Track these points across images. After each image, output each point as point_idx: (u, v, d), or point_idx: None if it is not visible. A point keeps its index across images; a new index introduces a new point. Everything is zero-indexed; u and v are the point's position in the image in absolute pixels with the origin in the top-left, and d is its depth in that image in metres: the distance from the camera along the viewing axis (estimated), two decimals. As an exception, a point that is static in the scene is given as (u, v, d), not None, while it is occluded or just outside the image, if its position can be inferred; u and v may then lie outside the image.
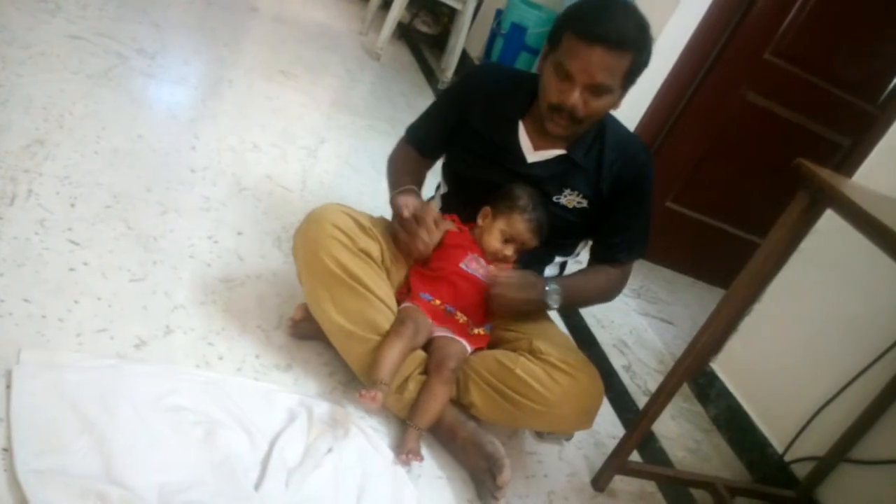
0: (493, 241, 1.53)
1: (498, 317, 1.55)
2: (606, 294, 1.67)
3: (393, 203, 1.54)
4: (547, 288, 1.50)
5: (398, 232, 1.50)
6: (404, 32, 4.74)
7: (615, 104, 1.46)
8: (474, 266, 1.52)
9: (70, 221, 1.58)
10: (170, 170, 1.97)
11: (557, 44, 1.40)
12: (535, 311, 1.56)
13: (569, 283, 1.57)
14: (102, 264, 1.51)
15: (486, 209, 1.56)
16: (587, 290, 1.62)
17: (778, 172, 2.25)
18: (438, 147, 1.67)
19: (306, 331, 1.55)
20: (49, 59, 2.19)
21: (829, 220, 1.77)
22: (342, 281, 1.42)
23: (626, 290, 2.71)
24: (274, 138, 2.48)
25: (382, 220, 1.60)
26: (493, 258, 1.55)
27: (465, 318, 1.51)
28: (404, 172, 1.63)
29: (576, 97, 1.38)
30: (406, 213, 1.46)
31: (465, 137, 1.59)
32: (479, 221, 1.57)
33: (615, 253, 1.61)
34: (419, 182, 1.67)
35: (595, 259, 1.66)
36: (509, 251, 1.54)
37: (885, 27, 2.65)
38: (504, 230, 1.52)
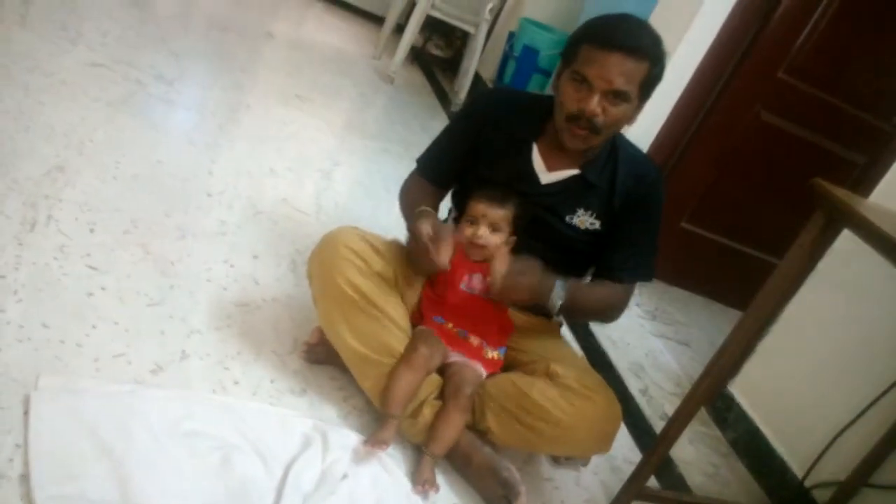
0: (464, 230, 1.51)
1: (504, 300, 1.47)
2: (610, 310, 1.62)
3: (411, 229, 1.52)
4: (556, 282, 1.44)
5: (414, 252, 1.47)
6: (417, 56, 4.79)
7: (632, 117, 1.46)
8: (474, 284, 1.52)
9: (89, 247, 1.60)
10: (187, 195, 2.00)
11: (574, 57, 1.41)
12: (538, 301, 1.46)
13: (575, 284, 1.52)
14: (120, 289, 1.52)
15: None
16: (593, 298, 1.57)
17: (793, 191, 2.24)
18: (453, 177, 1.66)
19: (321, 355, 1.55)
20: (70, 86, 2.24)
21: (847, 241, 1.75)
22: (356, 304, 1.43)
23: (641, 312, 2.70)
24: (289, 162, 2.51)
25: (396, 242, 1.61)
26: (475, 249, 1.51)
27: (478, 341, 1.51)
28: (420, 203, 1.59)
29: (595, 104, 1.38)
30: (424, 234, 1.43)
31: (478, 163, 1.59)
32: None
33: (619, 272, 1.57)
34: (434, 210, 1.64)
35: (598, 277, 1.61)
36: (481, 230, 1.49)
37: (899, 45, 2.64)
38: (466, 217, 1.53)
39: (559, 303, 1.44)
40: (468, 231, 1.51)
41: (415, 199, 1.62)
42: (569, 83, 1.42)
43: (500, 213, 1.51)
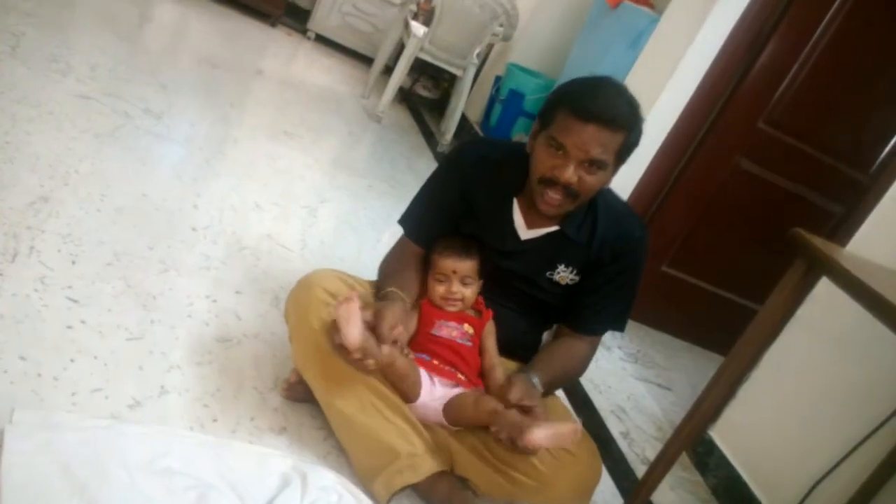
0: (435, 288, 1.53)
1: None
2: (575, 375, 1.63)
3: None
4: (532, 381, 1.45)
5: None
6: (405, 96, 4.86)
7: (608, 181, 1.45)
8: (445, 331, 1.51)
9: (70, 279, 1.58)
10: (172, 228, 1.99)
11: (550, 121, 1.40)
12: None
13: (544, 373, 1.49)
14: (100, 323, 1.51)
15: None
16: (561, 374, 1.55)
17: (773, 239, 2.28)
18: (441, 236, 1.59)
19: (301, 393, 1.53)
20: (58, 117, 2.24)
21: (826, 288, 1.79)
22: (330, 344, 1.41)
23: (622, 355, 2.71)
24: (275, 197, 2.51)
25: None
26: (449, 304, 1.52)
27: (465, 377, 1.50)
28: (398, 273, 1.55)
29: (570, 173, 1.36)
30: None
31: (463, 219, 1.57)
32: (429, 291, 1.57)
33: (589, 323, 1.56)
34: (410, 284, 1.55)
35: (566, 325, 1.59)
36: (455, 287, 1.51)
37: (874, 99, 2.72)
38: (435, 274, 1.54)
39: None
40: (441, 288, 1.53)
41: (394, 269, 1.58)
42: (544, 147, 1.40)
43: (469, 265, 1.53)
